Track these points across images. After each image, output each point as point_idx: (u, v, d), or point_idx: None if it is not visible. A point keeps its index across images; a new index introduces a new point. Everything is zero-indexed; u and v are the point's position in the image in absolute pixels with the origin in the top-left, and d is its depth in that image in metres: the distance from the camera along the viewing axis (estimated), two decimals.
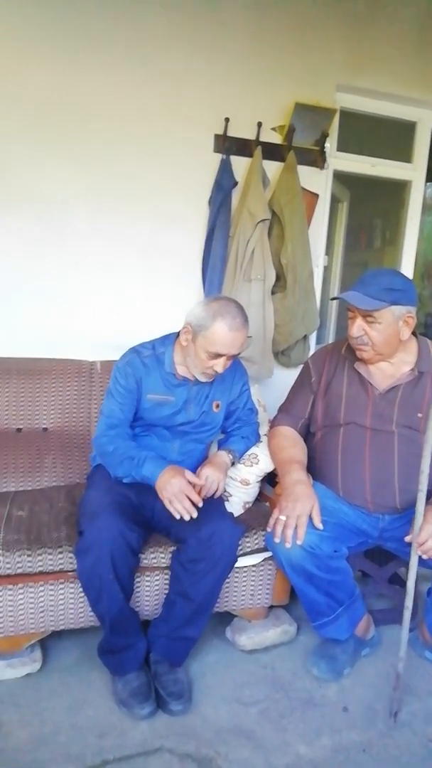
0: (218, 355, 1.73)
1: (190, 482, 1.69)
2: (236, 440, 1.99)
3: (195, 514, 1.64)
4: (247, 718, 1.66)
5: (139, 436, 1.89)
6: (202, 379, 1.82)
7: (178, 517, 1.63)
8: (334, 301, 3.53)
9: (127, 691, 1.65)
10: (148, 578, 1.82)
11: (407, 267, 3.24)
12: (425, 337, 1.93)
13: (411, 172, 3.11)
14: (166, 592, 1.79)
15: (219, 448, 1.99)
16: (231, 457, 1.93)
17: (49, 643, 1.88)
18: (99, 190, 2.48)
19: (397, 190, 3.24)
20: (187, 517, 1.62)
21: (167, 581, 1.80)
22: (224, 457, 1.92)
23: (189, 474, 1.71)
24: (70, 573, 1.72)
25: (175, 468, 1.70)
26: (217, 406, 1.93)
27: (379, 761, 1.54)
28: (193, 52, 2.50)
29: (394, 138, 3.18)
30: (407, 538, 1.62)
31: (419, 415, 1.80)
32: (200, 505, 1.66)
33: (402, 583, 2.13)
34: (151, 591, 1.83)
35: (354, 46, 2.74)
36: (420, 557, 1.61)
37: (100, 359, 2.35)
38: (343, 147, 2.94)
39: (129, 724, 1.61)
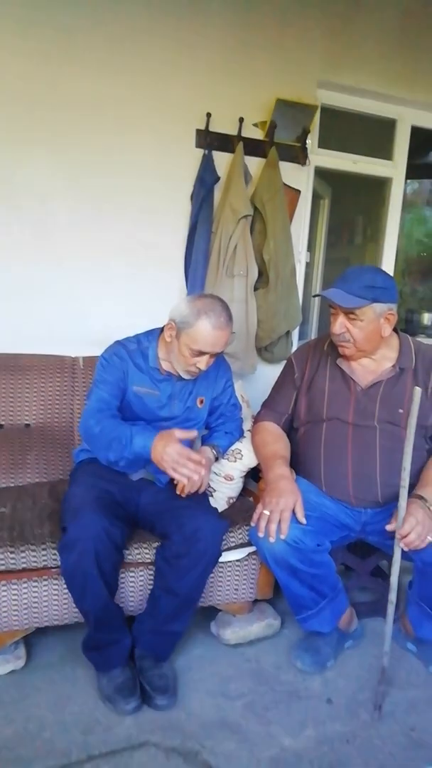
0: (201, 353, 1.73)
1: (182, 439, 1.65)
2: (220, 436, 2.00)
3: (203, 472, 1.65)
4: (232, 712, 1.68)
5: None
6: (186, 376, 1.82)
7: (185, 481, 1.63)
8: (316, 297, 3.56)
9: (112, 687, 1.66)
10: (132, 574, 1.82)
11: (388, 263, 3.27)
12: (406, 334, 1.96)
13: (391, 169, 3.14)
14: (151, 587, 1.79)
15: (203, 443, 2.00)
16: (215, 452, 1.94)
17: (33, 640, 1.87)
18: (79, 185, 2.46)
19: (378, 187, 3.26)
20: (196, 477, 1.62)
21: (152, 577, 1.80)
22: (208, 452, 1.92)
23: (179, 432, 1.66)
24: (53, 570, 1.72)
25: (163, 435, 1.65)
26: (201, 401, 1.93)
27: (363, 751, 1.56)
28: (174, 47, 2.49)
29: (374, 135, 3.21)
30: (389, 527, 1.64)
31: (400, 410, 1.82)
32: (203, 462, 1.67)
33: (384, 575, 2.16)
34: (135, 587, 1.83)
35: (335, 43, 2.75)
36: (402, 550, 1.63)
37: (82, 355, 2.34)
38: (324, 144, 2.96)
39: (114, 719, 1.61)
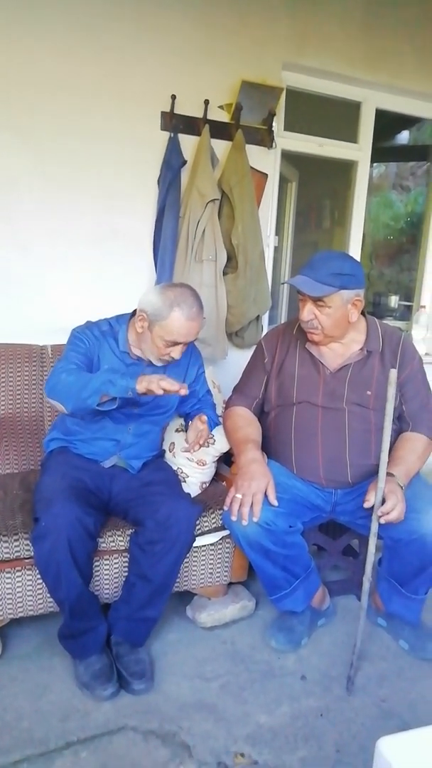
0: (175, 343, 1.73)
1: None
2: (210, 414, 2.00)
3: (185, 392, 1.55)
4: (208, 693, 1.70)
5: (92, 420, 1.86)
6: (158, 364, 1.82)
7: (160, 391, 1.50)
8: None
9: (89, 674, 1.66)
10: (106, 562, 1.82)
11: (355, 247, 3.29)
12: (373, 317, 1.99)
13: (357, 152, 3.14)
14: (126, 574, 1.80)
15: (192, 418, 1.96)
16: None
17: (8, 631, 1.86)
18: (45, 168, 2.40)
19: (345, 170, 3.27)
20: (183, 392, 1.53)
21: (126, 564, 1.81)
22: (202, 418, 1.91)
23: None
24: (26, 560, 1.71)
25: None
26: None
27: (336, 724, 1.61)
28: (137, 28, 2.44)
29: (340, 118, 3.21)
30: (366, 504, 1.66)
31: (368, 392, 1.85)
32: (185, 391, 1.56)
33: (355, 554, 2.21)
34: (110, 574, 1.83)
35: (299, 24, 2.73)
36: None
37: (50, 343, 2.30)
38: (290, 127, 2.94)
39: (92, 705, 1.62)
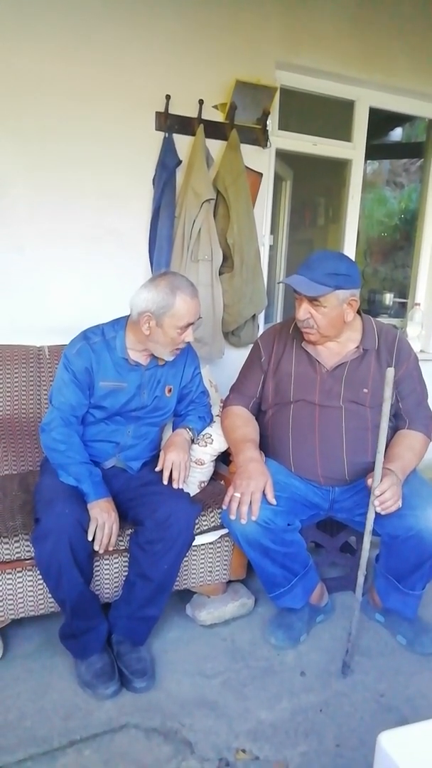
0: (188, 325, 1.77)
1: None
2: (193, 419, 2.01)
3: (111, 548, 1.71)
4: (209, 690, 1.72)
5: (93, 423, 1.87)
6: (171, 358, 1.84)
7: (90, 538, 1.67)
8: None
9: (90, 673, 1.68)
10: (107, 561, 1.83)
11: (350, 244, 3.30)
12: (368, 315, 2.00)
13: (351, 150, 3.16)
14: (126, 574, 1.81)
15: (176, 427, 2.00)
16: (190, 433, 1.95)
17: (9, 631, 1.87)
18: (38, 169, 2.40)
19: (339, 168, 3.28)
20: (101, 550, 1.69)
21: (126, 563, 1.82)
22: (183, 434, 1.93)
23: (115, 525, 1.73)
24: (27, 561, 1.72)
25: (105, 507, 1.72)
26: (170, 390, 1.94)
27: (335, 718, 1.63)
28: (131, 29, 2.43)
29: (334, 117, 3.22)
30: (369, 481, 1.68)
31: (365, 390, 1.87)
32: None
33: (352, 551, 2.23)
34: (110, 574, 1.85)
35: (291, 24, 2.74)
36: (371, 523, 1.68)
37: (47, 344, 2.31)
38: (284, 126, 2.95)
39: (94, 704, 1.64)
